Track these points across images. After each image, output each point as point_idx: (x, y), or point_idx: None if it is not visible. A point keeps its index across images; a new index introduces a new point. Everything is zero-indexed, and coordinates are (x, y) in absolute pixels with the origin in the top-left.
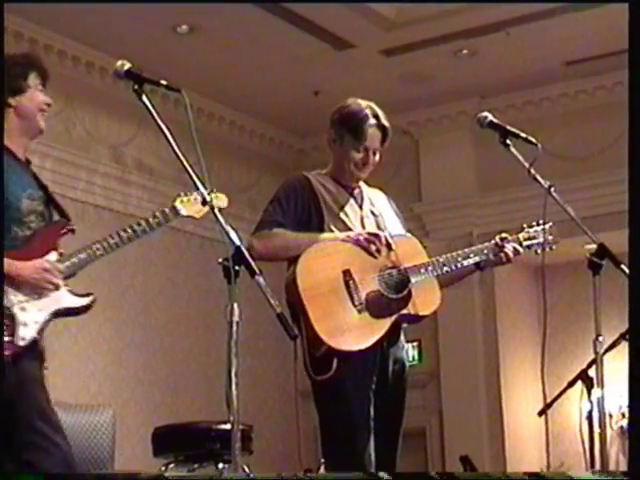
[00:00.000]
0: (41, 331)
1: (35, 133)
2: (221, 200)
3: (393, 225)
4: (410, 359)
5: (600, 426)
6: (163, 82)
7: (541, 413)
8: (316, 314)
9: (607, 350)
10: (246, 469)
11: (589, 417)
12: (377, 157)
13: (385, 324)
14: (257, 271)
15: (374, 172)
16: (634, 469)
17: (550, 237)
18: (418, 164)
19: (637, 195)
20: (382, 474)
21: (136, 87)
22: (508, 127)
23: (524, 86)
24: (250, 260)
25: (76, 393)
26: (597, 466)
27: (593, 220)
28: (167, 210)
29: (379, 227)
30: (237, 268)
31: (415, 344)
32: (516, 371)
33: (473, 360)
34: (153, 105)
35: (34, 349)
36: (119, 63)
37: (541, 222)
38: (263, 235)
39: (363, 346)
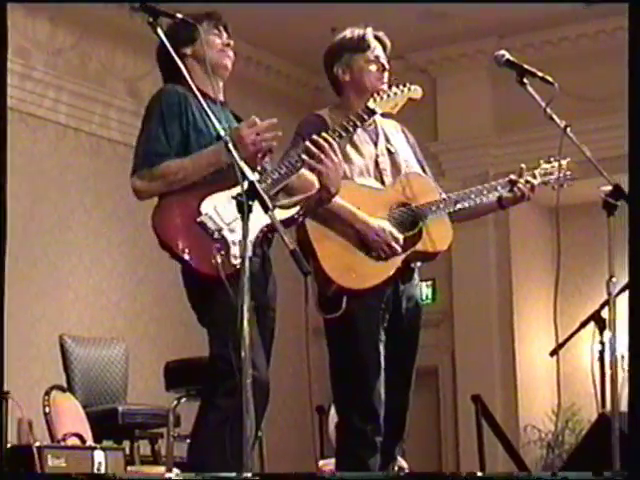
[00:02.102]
0: (253, 249)
1: (221, 72)
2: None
3: (408, 161)
4: (424, 298)
5: (611, 367)
6: (179, 15)
7: (553, 353)
8: (325, 253)
9: (620, 291)
10: None
11: (601, 358)
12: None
13: (395, 262)
14: (270, 207)
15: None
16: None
17: (568, 173)
18: (435, 103)
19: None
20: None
21: (151, 20)
22: (525, 66)
23: (543, 26)
24: (264, 196)
25: (89, 327)
26: (607, 407)
27: (610, 161)
28: (361, 112)
29: (394, 165)
30: (250, 203)
31: (429, 283)
32: (529, 311)
33: (486, 300)
34: (168, 38)
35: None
36: None
37: (559, 157)
38: None
39: (372, 284)
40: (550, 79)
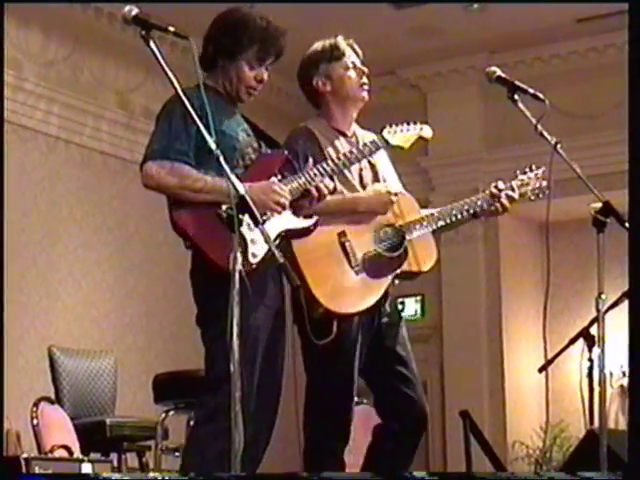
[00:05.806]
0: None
1: (240, 99)
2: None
3: (389, 175)
4: (413, 313)
5: (600, 384)
6: (171, 29)
7: (542, 370)
8: (314, 277)
9: (609, 308)
10: None
11: (589, 375)
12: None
13: (383, 284)
14: (260, 220)
15: (381, 123)
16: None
17: (544, 183)
18: (425, 118)
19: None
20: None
21: (144, 33)
22: (516, 82)
23: (534, 42)
24: (254, 209)
25: (78, 339)
26: (596, 424)
27: (599, 178)
28: (377, 139)
29: (377, 179)
30: (241, 217)
31: (418, 298)
32: (518, 327)
33: (476, 315)
34: (161, 52)
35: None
36: (127, 8)
37: (534, 167)
38: None
39: (363, 307)
40: (541, 96)
